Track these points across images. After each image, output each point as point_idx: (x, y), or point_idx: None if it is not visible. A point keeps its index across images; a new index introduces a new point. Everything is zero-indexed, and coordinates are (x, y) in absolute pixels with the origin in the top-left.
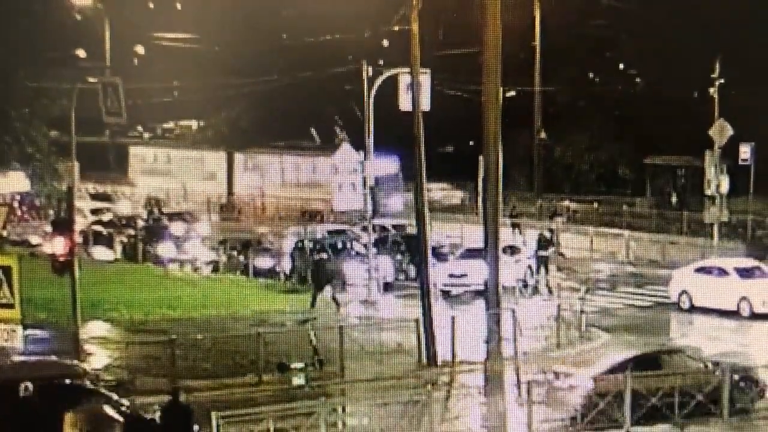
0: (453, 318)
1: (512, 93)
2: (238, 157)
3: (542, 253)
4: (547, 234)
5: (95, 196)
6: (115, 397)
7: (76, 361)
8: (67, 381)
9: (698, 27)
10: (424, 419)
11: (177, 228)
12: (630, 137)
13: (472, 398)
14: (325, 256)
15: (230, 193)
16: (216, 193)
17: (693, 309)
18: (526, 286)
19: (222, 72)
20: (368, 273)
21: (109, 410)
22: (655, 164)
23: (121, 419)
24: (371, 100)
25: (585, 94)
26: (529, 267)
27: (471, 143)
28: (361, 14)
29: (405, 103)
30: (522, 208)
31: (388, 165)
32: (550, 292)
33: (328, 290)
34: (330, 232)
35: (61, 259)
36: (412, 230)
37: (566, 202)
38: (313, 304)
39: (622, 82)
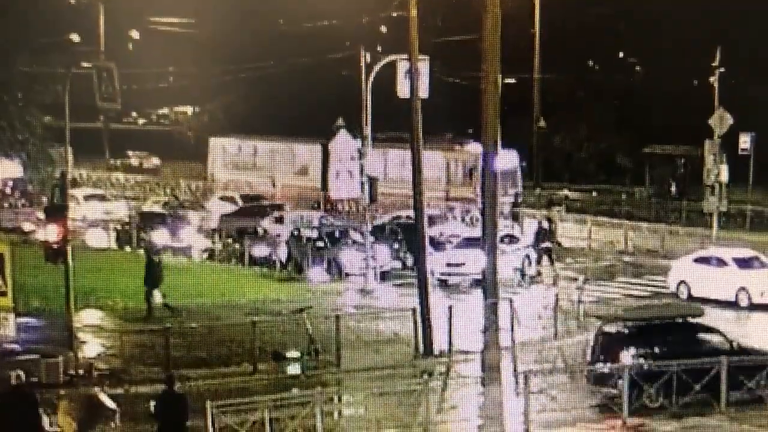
0: (450, 307)
1: (511, 81)
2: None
3: (543, 244)
4: (546, 225)
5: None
6: None
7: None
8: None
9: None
10: (421, 409)
11: (273, 228)
12: (629, 126)
13: (469, 388)
14: (321, 244)
15: (325, 188)
16: (309, 189)
17: (691, 299)
18: (524, 275)
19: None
20: (365, 261)
21: (103, 397)
22: (655, 153)
23: (114, 406)
24: (369, 87)
25: (584, 82)
26: (527, 257)
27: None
28: (360, 0)
29: (403, 90)
30: (521, 197)
31: (504, 159)
32: (555, 283)
33: (157, 295)
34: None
35: (55, 246)
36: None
37: (564, 191)
38: (148, 313)
39: (622, 71)
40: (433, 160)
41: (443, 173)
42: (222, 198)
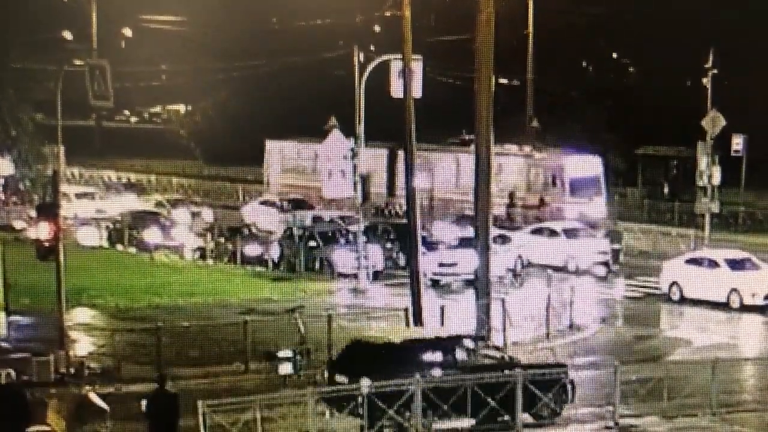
0: (442, 307)
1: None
2: (401, 156)
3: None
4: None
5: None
6: None
7: None
8: None
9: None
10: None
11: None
12: (622, 127)
13: None
14: (314, 243)
15: (391, 194)
16: (374, 194)
17: (683, 300)
18: (516, 275)
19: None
20: (358, 261)
21: (93, 396)
22: (647, 154)
23: (104, 405)
24: (362, 86)
25: (577, 82)
26: (519, 257)
27: (463, 131)
28: None
29: (396, 90)
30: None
31: (588, 166)
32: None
33: None
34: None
35: (46, 244)
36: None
37: None
38: None
39: (615, 71)
40: (513, 166)
41: (524, 180)
42: (263, 203)
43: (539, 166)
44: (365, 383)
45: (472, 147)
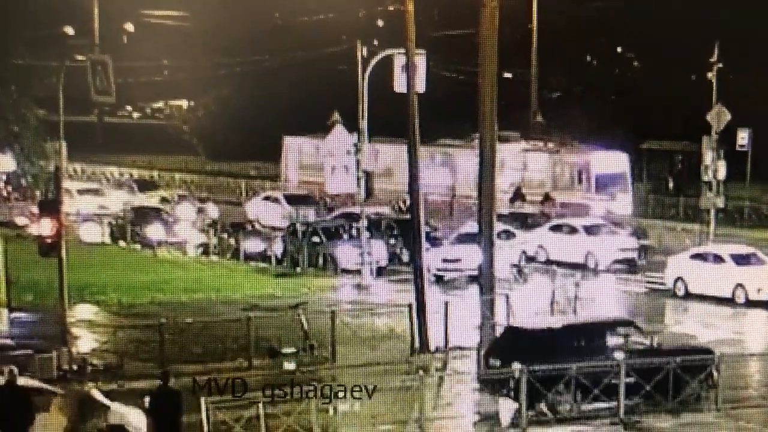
0: (446, 303)
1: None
2: (423, 151)
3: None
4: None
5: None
6: None
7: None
8: None
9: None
10: (416, 405)
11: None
12: (626, 121)
13: (465, 385)
14: (317, 239)
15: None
16: (393, 191)
17: (688, 296)
18: (520, 271)
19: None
20: (361, 257)
21: (95, 393)
22: (652, 149)
23: (108, 403)
24: (365, 81)
25: (582, 77)
26: (524, 252)
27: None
28: None
29: (400, 85)
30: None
31: (614, 162)
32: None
33: None
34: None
35: (49, 240)
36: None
37: None
38: None
39: (620, 66)
40: (538, 161)
41: (549, 176)
42: (266, 198)
43: (565, 162)
44: (518, 366)
45: (502, 143)
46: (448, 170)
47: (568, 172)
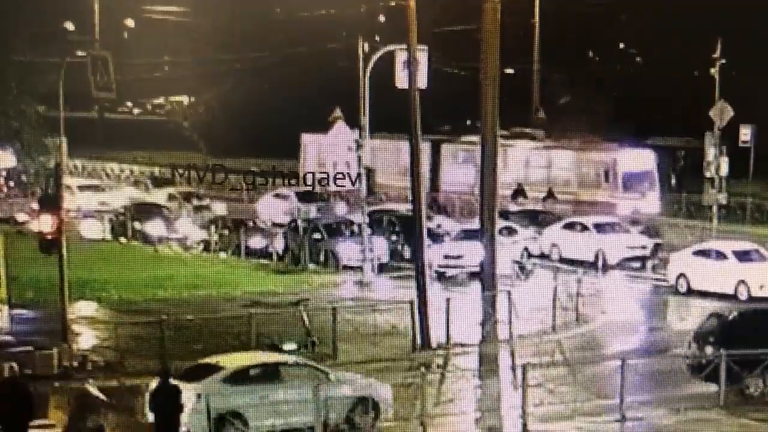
0: (448, 300)
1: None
2: (446, 148)
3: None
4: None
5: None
6: None
7: None
8: None
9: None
10: (418, 402)
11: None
12: (629, 117)
13: (467, 381)
14: (318, 236)
15: (435, 189)
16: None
17: (690, 292)
18: (522, 268)
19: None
20: (363, 253)
21: (94, 391)
22: (655, 145)
23: (106, 399)
24: (367, 78)
25: (584, 73)
26: (525, 249)
27: (468, 122)
28: None
29: (401, 81)
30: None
31: (641, 160)
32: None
33: None
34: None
35: (49, 237)
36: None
37: None
38: None
39: (622, 62)
40: (564, 159)
41: (575, 174)
42: (276, 196)
43: (590, 160)
44: (710, 351)
45: (520, 140)
46: (472, 167)
47: (593, 171)
